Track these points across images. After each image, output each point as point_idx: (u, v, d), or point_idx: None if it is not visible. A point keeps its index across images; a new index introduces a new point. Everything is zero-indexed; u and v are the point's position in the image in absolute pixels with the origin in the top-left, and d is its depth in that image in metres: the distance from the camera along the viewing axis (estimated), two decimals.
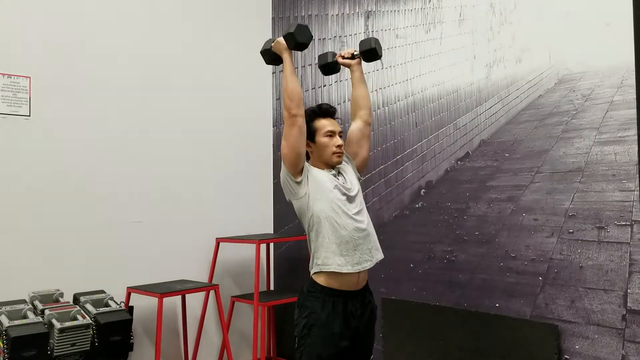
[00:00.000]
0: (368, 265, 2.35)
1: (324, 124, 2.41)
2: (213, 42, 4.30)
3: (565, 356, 2.84)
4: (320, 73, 4.14)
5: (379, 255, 2.42)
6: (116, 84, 3.71)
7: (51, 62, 3.43)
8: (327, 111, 2.45)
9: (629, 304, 2.65)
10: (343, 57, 2.56)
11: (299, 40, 2.27)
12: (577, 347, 2.81)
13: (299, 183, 2.30)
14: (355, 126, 2.56)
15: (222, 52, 4.34)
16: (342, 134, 2.47)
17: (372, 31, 3.86)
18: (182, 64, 4.09)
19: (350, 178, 2.44)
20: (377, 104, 3.82)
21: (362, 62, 2.60)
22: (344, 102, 4.04)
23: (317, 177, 2.32)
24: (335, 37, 4.12)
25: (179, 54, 4.08)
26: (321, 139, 2.39)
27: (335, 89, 4.10)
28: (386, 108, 3.77)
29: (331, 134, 2.39)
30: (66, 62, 3.49)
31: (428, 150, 3.55)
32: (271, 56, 2.41)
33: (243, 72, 4.47)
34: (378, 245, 2.44)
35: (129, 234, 3.72)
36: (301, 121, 2.26)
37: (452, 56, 3.44)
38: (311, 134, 2.39)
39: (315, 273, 2.32)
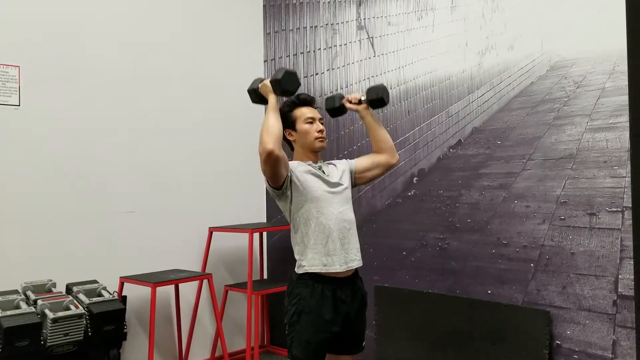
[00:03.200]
0: (355, 264, 2.35)
1: (304, 112, 2.44)
2: (204, 31, 4.27)
3: (557, 342, 2.86)
4: (312, 60, 4.13)
5: (361, 258, 2.41)
6: (107, 73, 3.68)
7: (41, 51, 3.39)
8: (305, 100, 2.48)
9: (619, 290, 2.68)
10: (350, 102, 2.55)
11: (284, 87, 2.24)
12: (568, 332, 2.83)
13: (280, 188, 2.30)
14: (380, 156, 2.54)
15: (213, 42, 4.31)
16: (323, 121, 2.50)
17: (364, 18, 3.85)
18: (173, 53, 4.06)
19: (341, 175, 2.43)
20: None
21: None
22: (336, 89, 4.03)
23: (301, 178, 2.31)
24: (327, 24, 4.10)
25: (170, 44, 4.05)
26: (302, 125, 2.42)
27: (328, 77, 4.09)
28: None
29: (311, 121, 2.42)
30: (56, 51, 3.46)
31: (420, 138, 3.55)
32: (258, 96, 2.38)
33: (234, 61, 4.45)
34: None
35: (121, 223, 3.71)
36: (277, 157, 2.15)
37: (444, 43, 3.43)
38: (292, 123, 2.43)
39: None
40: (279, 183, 2.27)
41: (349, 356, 2.42)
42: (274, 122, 2.20)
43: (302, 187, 2.30)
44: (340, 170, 2.46)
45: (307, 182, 2.31)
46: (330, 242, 2.28)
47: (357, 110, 2.54)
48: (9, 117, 3.27)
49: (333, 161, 2.53)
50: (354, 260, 2.34)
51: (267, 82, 2.32)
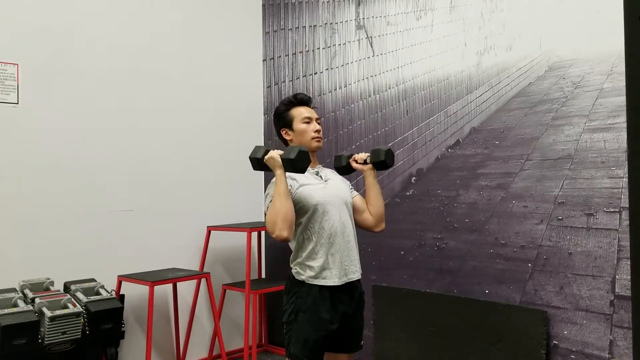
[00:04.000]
0: (355, 277, 2.34)
1: (301, 112, 2.43)
2: (203, 30, 4.27)
3: (554, 341, 2.87)
4: (311, 59, 4.14)
5: (360, 269, 2.41)
6: (105, 71, 3.68)
7: (40, 49, 3.39)
8: (302, 100, 2.48)
9: (617, 290, 2.68)
10: (356, 162, 2.55)
11: (298, 167, 2.23)
12: (565, 332, 2.84)
13: None
14: (369, 216, 2.48)
15: (212, 40, 4.31)
16: (320, 121, 2.50)
17: (363, 18, 3.85)
18: (171, 52, 4.06)
19: (341, 187, 2.43)
20: (368, 92, 3.82)
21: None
22: (335, 90, 4.03)
23: (298, 194, 2.29)
24: (326, 24, 4.10)
25: (169, 43, 4.05)
26: (299, 125, 2.41)
27: (327, 77, 4.09)
28: (377, 96, 3.76)
29: (308, 120, 2.42)
30: (55, 49, 3.46)
31: (419, 138, 3.56)
32: (261, 165, 2.37)
33: (233, 60, 4.45)
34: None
35: (119, 222, 3.71)
36: (290, 240, 2.23)
37: (443, 43, 3.44)
38: (289, 123, 2.42)
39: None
40: None
41: (346, 355, 2.42)
42: (288, 207, 2.17)
43: (301, 203, 2.28)
44: (342, 183, 2.46)
45: (306, 197, 2.29)
46: (329, 256, 2.27)
47: (362, 170, 2.53)
48: (8, 115, 3.26)
49: (336, 173, 2.53)
50: (354, 273, 2.33)
51: (276, 156, 2.25)
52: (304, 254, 2.30)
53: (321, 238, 2.28)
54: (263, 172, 4.51)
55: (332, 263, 2.27)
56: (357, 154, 2.57)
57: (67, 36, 3.52)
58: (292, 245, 2.36)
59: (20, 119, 3.31)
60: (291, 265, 2.36)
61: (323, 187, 2.35)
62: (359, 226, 2.50)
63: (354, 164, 2.56)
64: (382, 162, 2.48)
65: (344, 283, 2.29)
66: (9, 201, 3.26)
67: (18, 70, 3.30)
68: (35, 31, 3.38)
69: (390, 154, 2.50)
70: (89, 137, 3.59)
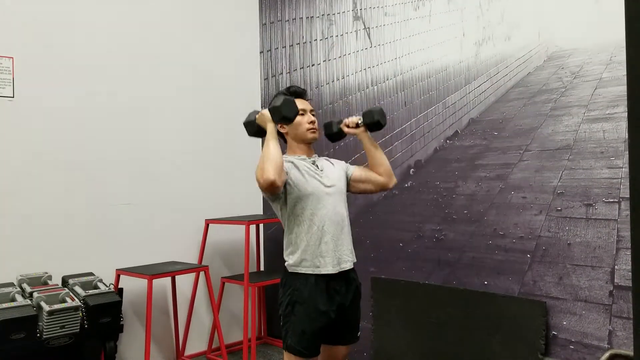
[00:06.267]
0: (348, 265, 2.34)
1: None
2: (200, 22, 4.24)
3: (553, 332, 2.87)
4: (309, 51, 4.10)
5: (354, 258, 2.41)
6: (101, 65, 3.66)
7: (35, 43, 3.37)
8: (295, 92, 2.48)
9: (616, 280, 2.68)
10: (348, 127, 2.54)
11: (284, 114, 2.23)
12: (564, 323, 2.84)
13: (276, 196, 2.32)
14: (377, 177, 2.51)
15: (209, 32, 4.29)
16: (315, 113, 2.49)
17: (361, 9, 3.82)
18: (168, 45, 4.03)
19: (337, 176, 2.42)
20: (365, 83, 3.80)
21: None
22: (332, 81, 4.01)
23: (295, 179, 2.29)
24: (323, 15, 4.08)
25: (166, 35, 4.02)
26: None
27: (324, 68, 4.07)
28: (375, 87, 3.75)
29: (302, 112, 2.41)
30: (50, 43, 3.43)
31: (417, 130, 3.54)
32: (254, 128, 2.38)
33: (230, 53, 4.42)
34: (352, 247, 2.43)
35: (117, 216, 3.70)
36: (279, 186, 2.18)
37: (441, 34, 3.42)
38: None
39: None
40: (275, 195, 2.29)
41: (344, 347, 2.42)
42: (275, 151, 2.17)
43: (296, 189, 2.28)
44: (337, 170, 2.45)
45: (301, 183, 2.30)
46: (323, 244, 2.27)
47: (355, 134, 2.53)
48: (3, 109, 3.24)
49: (330, 159, 2.52)
50: (347, 262, 2.33)
51: (265, 111, 2.29)
52: (299, 243, 2.29)
53: (314, 226, 2.28)
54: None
55: (326, 252, 2.27)
56: (347, 118, 2.56)
57: (63, 29, 3.49)
58: (288, 236, 2.35)
59: (16, 113, 3.29)
60: (285, 256, 2.35)
61: (319, 178, 2.34)
62: (372, 190, 2.52)
63: (345, 129, 2.55)
64: (376, 122, 2.45)
65: (337, 272, 2.29)
66: (5, 195, 3.25)
67: (13, 63, 3.28)
68: (30, 24, 3.35)
69: (382, 113, 2.48)
70: (85, 131, 3.57)
